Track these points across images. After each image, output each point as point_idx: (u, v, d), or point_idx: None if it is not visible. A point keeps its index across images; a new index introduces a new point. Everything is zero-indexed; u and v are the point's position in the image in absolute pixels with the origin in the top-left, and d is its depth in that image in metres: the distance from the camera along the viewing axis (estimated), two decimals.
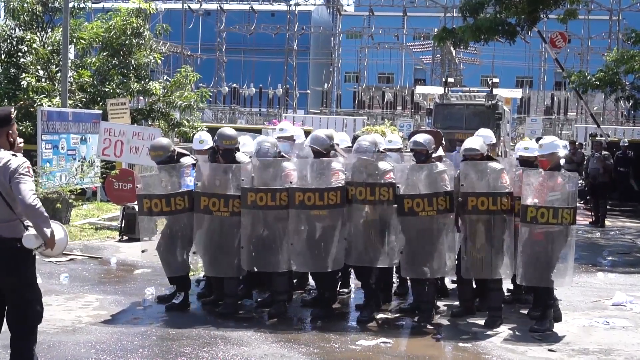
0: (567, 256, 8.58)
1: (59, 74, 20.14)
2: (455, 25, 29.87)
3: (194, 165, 9.53)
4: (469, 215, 8.94)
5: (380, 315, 9.29)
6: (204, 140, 10.17)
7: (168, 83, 23.61)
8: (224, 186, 9.16)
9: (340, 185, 8.92)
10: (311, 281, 10.33)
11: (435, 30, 28.07)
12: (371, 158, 9.07)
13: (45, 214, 5.98)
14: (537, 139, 11.48)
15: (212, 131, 10.56)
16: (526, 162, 9.81)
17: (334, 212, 8.94)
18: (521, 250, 8.70)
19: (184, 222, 9.38)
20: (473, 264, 8.98)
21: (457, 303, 9.65)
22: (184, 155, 9.81)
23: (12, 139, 6.15)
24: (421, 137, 9.34)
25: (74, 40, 21.44)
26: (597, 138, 26.62)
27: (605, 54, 30.22)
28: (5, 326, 6.20)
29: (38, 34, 21.55)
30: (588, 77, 24.92)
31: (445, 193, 8.86)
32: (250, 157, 9.45)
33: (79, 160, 18.06)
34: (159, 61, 24.61)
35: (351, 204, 8.96)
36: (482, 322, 9.04)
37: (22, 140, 6.30)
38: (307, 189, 8.91)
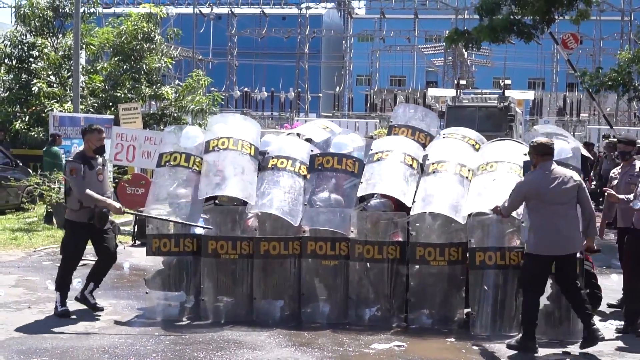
0: None
1: (70, 79, 20.22)
2: (467, 27, 29.84)
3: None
4: None
5: None
6: (192, 136, 9.79)
7: (180, 87, 23.67)
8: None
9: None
10: None
11: (447, 32, 28.04)
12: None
13: None
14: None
15: None
16: None
17: None
18: None
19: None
20: None
21: None
22: None
23: None
24: None
25: (85, 45, 21.54)
26: (610, 139, 26.46)
27: (619, 52, 30.06)
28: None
29: (49, 39, 21.66)
30: (601, 78, 24.77)
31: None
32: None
33: None
34: (171, 66, 24.71)
35: None
36: None
37: None
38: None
